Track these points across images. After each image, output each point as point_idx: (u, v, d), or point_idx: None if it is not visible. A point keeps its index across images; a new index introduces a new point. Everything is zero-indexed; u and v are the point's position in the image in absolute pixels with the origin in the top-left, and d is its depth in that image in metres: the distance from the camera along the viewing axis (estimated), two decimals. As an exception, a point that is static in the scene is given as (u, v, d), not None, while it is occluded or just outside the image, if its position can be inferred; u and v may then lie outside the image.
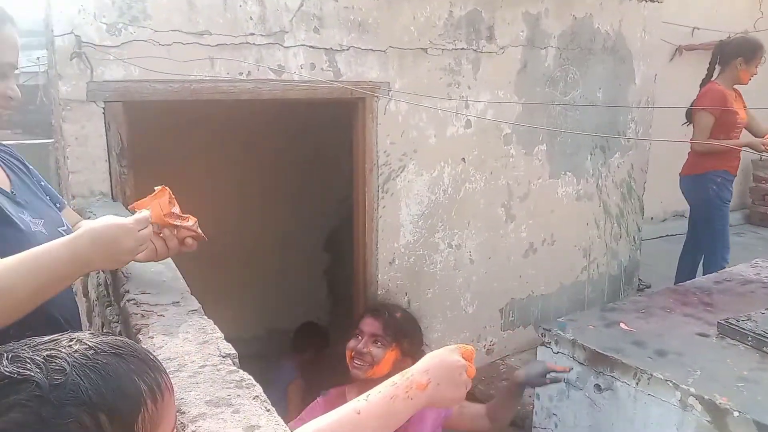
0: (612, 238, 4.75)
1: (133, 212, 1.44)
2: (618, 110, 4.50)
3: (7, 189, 1.41)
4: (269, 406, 1.05)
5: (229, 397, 1.06)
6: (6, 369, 0.68)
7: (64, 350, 0.71)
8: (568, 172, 4.35)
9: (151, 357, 0.80)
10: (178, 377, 1.11)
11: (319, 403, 2.31)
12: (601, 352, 2.46)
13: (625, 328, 2.68)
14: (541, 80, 4.03)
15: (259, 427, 0.97)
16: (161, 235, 1.51)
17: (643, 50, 4.51)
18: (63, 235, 1.30)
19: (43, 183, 1.60)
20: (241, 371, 1.16)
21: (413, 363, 1.92)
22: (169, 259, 1.71)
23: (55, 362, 0.69)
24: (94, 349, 0.73)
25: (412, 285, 3.79)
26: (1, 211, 1.31)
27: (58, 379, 0.68)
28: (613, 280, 4.86)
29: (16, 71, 1.43)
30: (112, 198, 2.74)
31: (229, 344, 1.27)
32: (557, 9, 3.98)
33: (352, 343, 2.37)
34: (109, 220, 1.29)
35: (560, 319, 2.81)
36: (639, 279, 5.18)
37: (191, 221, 1.55)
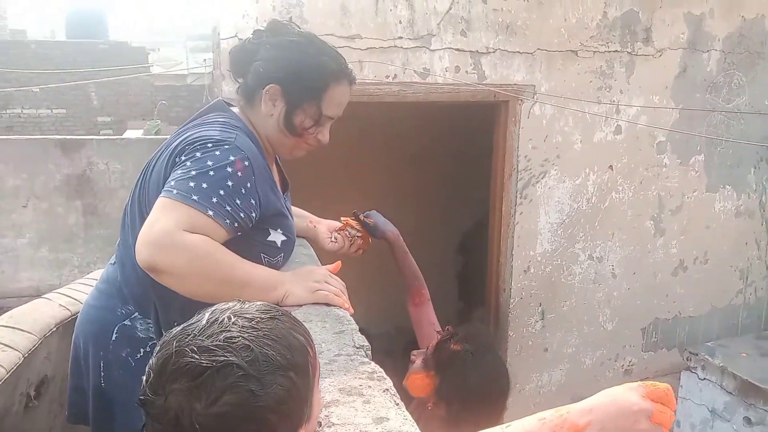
0: (775, 261, 4.31)
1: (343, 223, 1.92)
2: (790, 121, 4.07)
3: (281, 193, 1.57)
4: (398, 401, 1.06)
5: (360, 387, 1.08)
6: (202, 361, 0.73)
7: (235, 329, 0.77)
8: (727, 186, 4.00)
9: (291, 314, 0.86)
10: (315, 363, 1.15)
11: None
12: (754, 382, 2.25)
13: (788, 360, 2.42)
14: (702, 86, 3.75)
15: (388, 419, 0.98)
16: (351, 239, 1.90)
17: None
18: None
19: None
20: (373, 363, 1.18)
21: (446, 410, 1.76)
22: (314, 254, 1.86)
23: (236, 342, 0.75)
24: (255, 320, 0.79)
25: (547, 296, 3.67)
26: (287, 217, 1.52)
27: (248, 356, 0.74)
28: (774, 307, 4.40)
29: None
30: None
31: (363, 336, 1.30)
32: (724, 9, 3.67)
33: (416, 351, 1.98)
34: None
35: (709, 344, 2.61)
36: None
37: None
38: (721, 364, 2.35)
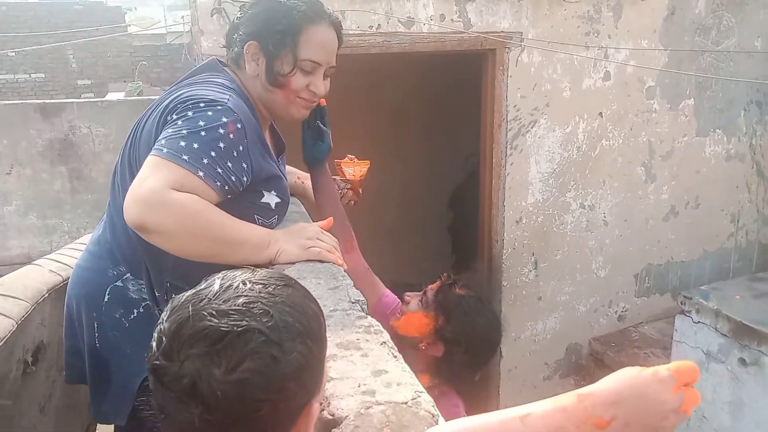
0: (765, 203, 4.33)
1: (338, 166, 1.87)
2: (780, 62, 4.04)
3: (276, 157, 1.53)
4: (396, 353, 1.06)
5: (358, 341, 1.08)
6: (222, 325, 0.70)
7: (252, 294, 0.74)
8: (717, 130, 3.99)
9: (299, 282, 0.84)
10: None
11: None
12: (748, 324, 2.27)
13: (779, 299, 2.46)
14: (690, 28, 3.69)
15: (387, 371, 0.98)
16: (341, 191, 1.83)
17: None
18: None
19: None
20: (369, 317, 1.18)
21: (444, 351, 1.77)
22: (305, 211, 1.83)
23: (255, 307, 0.72)
24: (270, 286, 0.76)
25: (540, 245, 3.69)
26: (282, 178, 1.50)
27: (268, 321, 0.71)
28: (764, 250, 4.44)
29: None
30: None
31: (358, 291, 1.29)
32: (713, -53, 3.61)
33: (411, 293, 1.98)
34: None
35: (703, 287, 2.64)
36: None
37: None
38: (715, 307, 2.37)
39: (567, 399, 0.76)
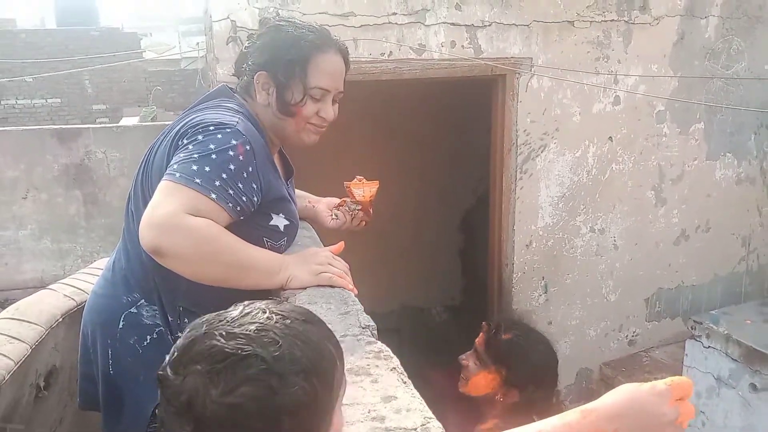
0: (776, 227, 4.31)
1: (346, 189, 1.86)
2: (790, 86, 4.05)
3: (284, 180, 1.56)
4: (406, 379, 1.07)
5: (368, 367, 1.08)
6: (227, 347, 0.70)
7: (269, 323, 0.74)
8: (728, 153, 3.99)
9: (327, 325, 0.84)
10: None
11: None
12: (759, 349, 2.26)
13: (791, 325, 2.44)
14: (700, 53, 3.71)
15: (396, 398, 0.99)
16: (352, 213, 1.85)
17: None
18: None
19: None
20: (379, 343, 1.19)
21: (520, 395, 1.82)
22: (315, 236, 1.83)
23: (267, 335, 0.72)
24: (289, 318, 0.76)
25: (550, 269, 3.68)
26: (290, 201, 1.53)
27: (275, 351, 0.71)
28: (777, 273, 4.41)
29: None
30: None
31: (368, 316, 1.30)
32: (722, -27, 3.64)
33: (464, 354, 2.08)
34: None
35: (713, 312, 2.62)
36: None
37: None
38: (725, 332, 2.36)
39: (572, 416, 0.81)
